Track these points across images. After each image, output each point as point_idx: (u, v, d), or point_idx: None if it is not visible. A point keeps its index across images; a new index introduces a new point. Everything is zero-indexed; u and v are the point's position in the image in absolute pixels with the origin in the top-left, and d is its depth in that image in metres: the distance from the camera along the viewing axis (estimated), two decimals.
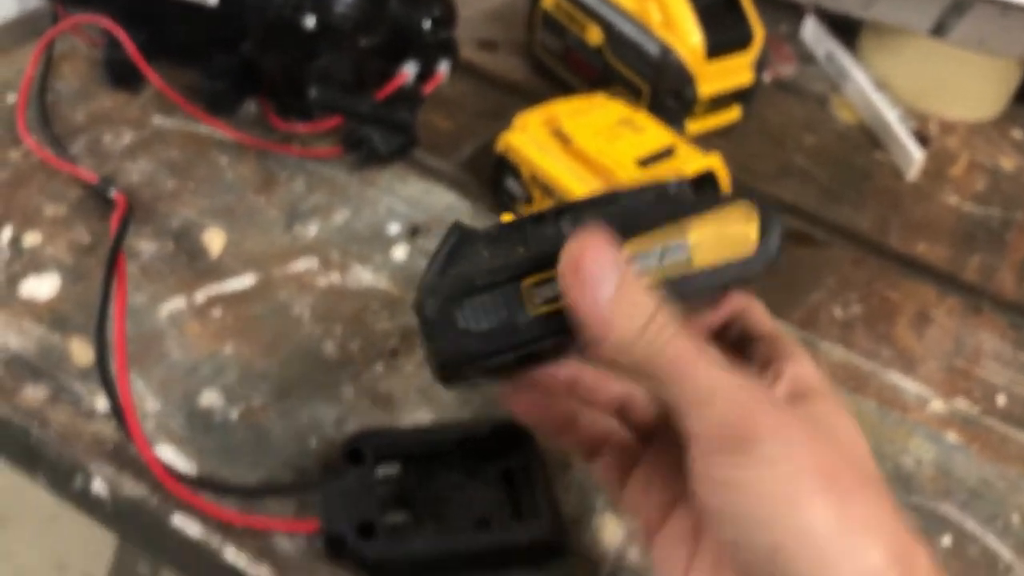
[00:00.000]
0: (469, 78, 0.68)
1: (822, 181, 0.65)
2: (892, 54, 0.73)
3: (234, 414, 0.44)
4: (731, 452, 0.28)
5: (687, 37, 0.60)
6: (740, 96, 0.65)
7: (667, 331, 0.29)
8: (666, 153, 0.52)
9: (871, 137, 0.70)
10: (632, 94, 0.61)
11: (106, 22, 0.54)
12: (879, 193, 0.65)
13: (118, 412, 0.40)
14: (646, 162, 0.52)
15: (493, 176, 0.56)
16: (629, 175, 0.51)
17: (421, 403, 0.46)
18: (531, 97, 0.65)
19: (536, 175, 0.53)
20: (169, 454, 0.42)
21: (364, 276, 0.52)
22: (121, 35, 0.54)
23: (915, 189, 0.66)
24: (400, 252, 0.53)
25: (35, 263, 0.49)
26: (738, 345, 0.35)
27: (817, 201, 0.63)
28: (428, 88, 0.58)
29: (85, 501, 0.42)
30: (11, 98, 0.58)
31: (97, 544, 1.22)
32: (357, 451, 0.41)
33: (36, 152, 0.53)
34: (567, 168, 0.52)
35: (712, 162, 0.53)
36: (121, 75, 0.59)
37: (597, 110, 0.55)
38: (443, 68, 0.58)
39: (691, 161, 0.52)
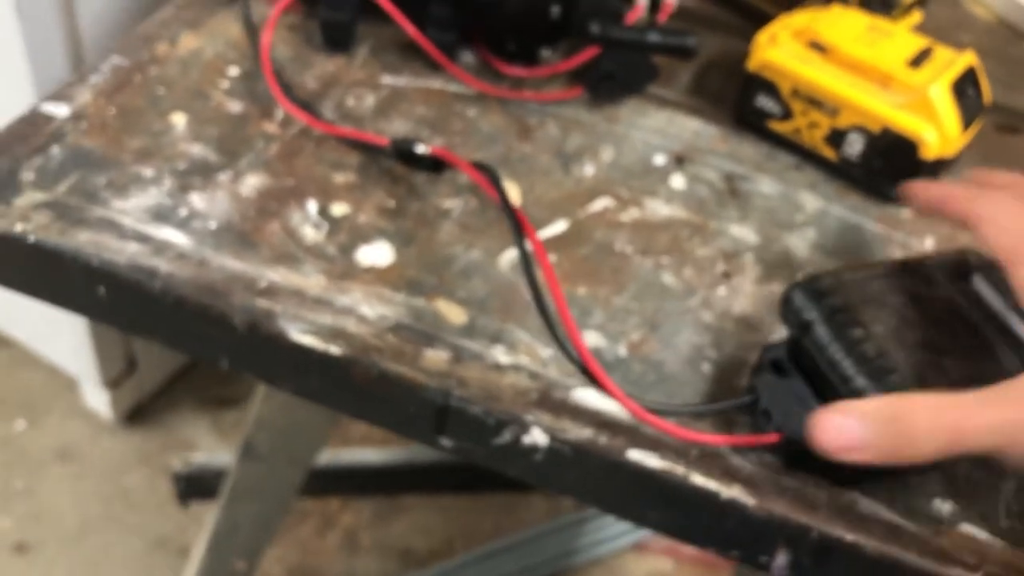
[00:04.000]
0: None
1: (995, 74, 0.68)
2: None
3: (622, 350, 0.44)
4: None
5: None
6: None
7: None
8: (926, 53, 0.54)
9: (1013, 30, 0.73)
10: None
11: None
12: None
13: (573, 358, 0.39)
14: (914, 62, 0.53)
15: (742, 95, 0.56)
16: (904, 76, 0.52)
17: (778, 320, 0.47)
18: (713, 25, 0.66)
19: (800, 88, 0.54)
20: (592, 397, 0.42)
21: (659, 208, 0.52)
22: None
23: None
24: (678, 181, 0.53)
25: (357, 232, 0.47)
26: None
27: (1001, 94, 0.66)
28: (663, 16, 0.57)
29: (507, 455, 0.41)
30: (234, 71, 0.55)
31: None
32: (776, 362, 0.42)
33: (308, 122, 0.51)
34: (837, 76, 0.53)
35: (971, 59, 0.54)
36: (335, 37, 0.57)
37: (844, 19, 0.56)
38: None
39: (954, 61, 0.54)
